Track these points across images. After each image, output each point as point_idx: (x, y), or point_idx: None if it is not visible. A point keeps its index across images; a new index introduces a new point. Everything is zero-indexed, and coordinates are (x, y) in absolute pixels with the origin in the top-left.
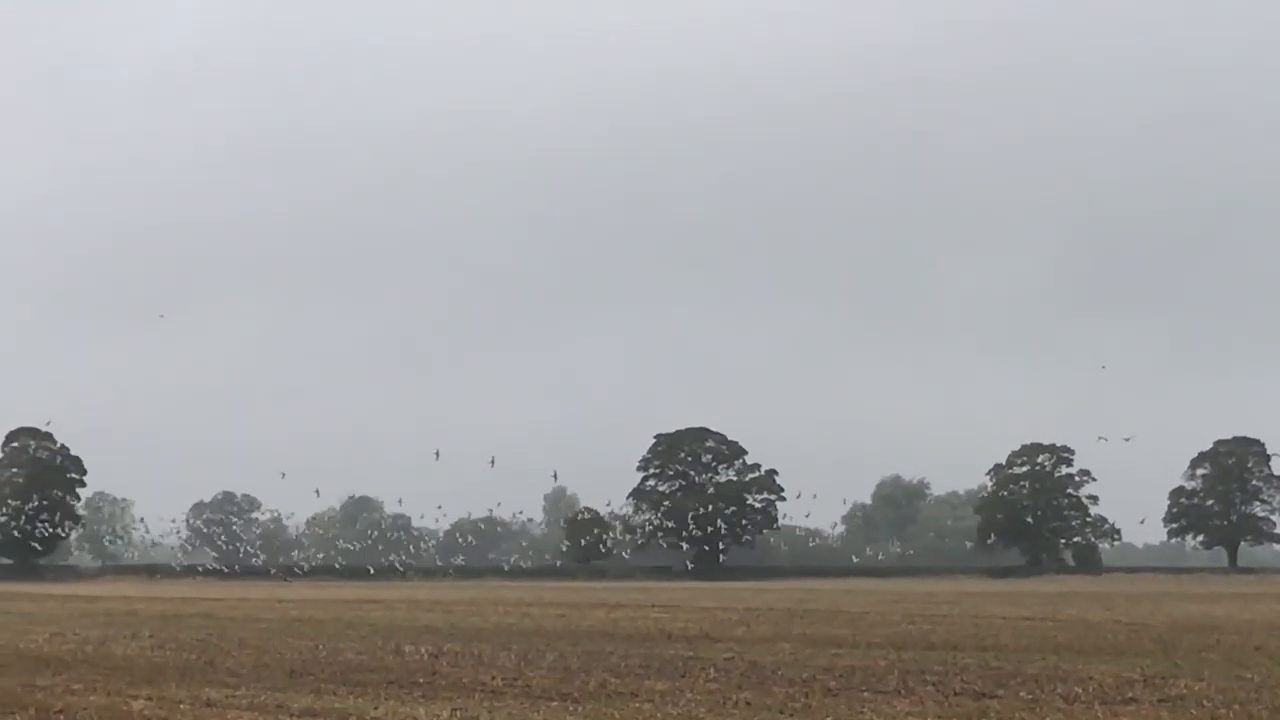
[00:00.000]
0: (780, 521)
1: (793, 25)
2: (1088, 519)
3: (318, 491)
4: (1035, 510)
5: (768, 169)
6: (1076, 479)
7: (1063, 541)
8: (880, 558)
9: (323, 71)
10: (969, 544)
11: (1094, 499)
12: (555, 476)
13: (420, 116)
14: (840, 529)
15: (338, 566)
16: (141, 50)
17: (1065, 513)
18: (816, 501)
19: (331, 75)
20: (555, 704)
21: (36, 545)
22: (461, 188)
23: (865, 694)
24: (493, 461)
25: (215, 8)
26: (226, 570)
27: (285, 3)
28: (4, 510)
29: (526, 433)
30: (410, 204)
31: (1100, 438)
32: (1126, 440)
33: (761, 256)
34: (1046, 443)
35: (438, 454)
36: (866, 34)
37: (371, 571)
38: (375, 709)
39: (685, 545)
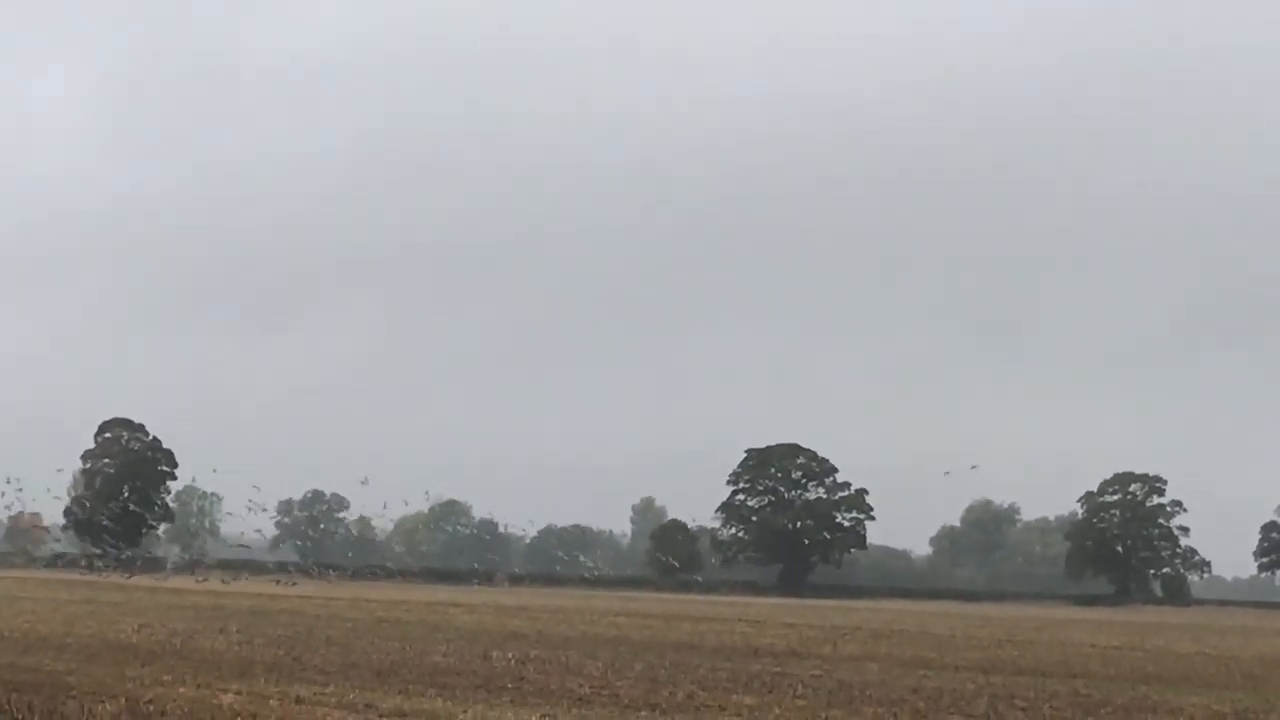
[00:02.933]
0: (868, 541)
1: (928, 57)
2: (1178, 550)
3: (406, 501)
4: (1125, 539)
5: (880, 192)
6: (1168, 509)
7: (1152, 572)
8: (968, 581)
9: (444, 72)
10: (1058, 570)
11: (1185, 530)
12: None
13: (532, 123)
14: (927, 551)
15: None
16: (266, 50)
17: (1155, 543)
18: (904, 523)
19: (451, 75)
20: (643, 714)
21: (126, 536)
22: (559, 198)
23: (954, 717)
24: None
25: (343, 5)
26: (331, 572)
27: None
28: (95, 500)
29: (617, 443)
30: (509, 214)
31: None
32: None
33: (865, 278)
34: (1139, 472)
35: None
36: (996, 69)
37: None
38: (464, 712)
39: (773, 561)
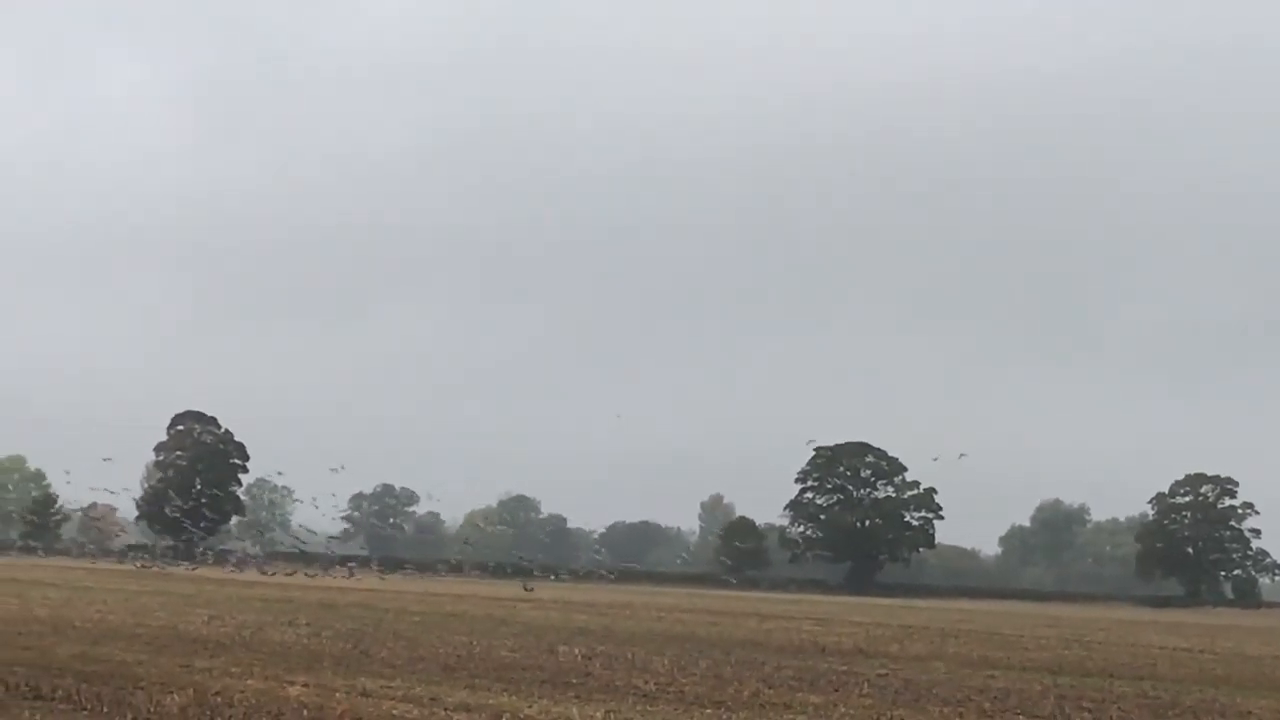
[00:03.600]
0: (937, 540)
1: (978, 51)
2: (1249, 552)
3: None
4: (1196, 541)
5: (949, 189)
6: (1240, 511)
7: (1222, 574)
8: (1037, 581)
9: (505, 73)
10: (1127, 571)
11: (1256, 532)
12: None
13: (596, 120)
14: (997, 551)
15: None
16: (334, 52)
17: (1226, 545)
18: (974, 522)
19: (514, 77)
20: (709, 711)
21: (197, 529)
22: (626, 194)
23: (1021, 717)
24: None
25: (411, 6)
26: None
27: (481, 4)
28: (166, 492)
29: (686, 441)
30: (578, 210)
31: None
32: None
33: (935, 275)
34: (1211, 473)
35: None
36: (1050, 63)
37: (532, 581)
38: (529, 707)
39: (841, 559)
